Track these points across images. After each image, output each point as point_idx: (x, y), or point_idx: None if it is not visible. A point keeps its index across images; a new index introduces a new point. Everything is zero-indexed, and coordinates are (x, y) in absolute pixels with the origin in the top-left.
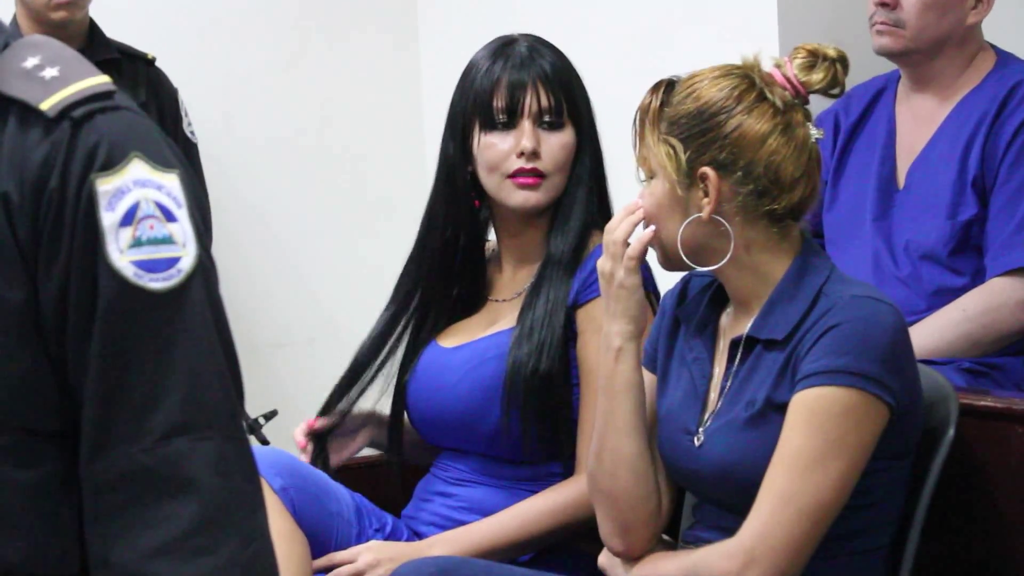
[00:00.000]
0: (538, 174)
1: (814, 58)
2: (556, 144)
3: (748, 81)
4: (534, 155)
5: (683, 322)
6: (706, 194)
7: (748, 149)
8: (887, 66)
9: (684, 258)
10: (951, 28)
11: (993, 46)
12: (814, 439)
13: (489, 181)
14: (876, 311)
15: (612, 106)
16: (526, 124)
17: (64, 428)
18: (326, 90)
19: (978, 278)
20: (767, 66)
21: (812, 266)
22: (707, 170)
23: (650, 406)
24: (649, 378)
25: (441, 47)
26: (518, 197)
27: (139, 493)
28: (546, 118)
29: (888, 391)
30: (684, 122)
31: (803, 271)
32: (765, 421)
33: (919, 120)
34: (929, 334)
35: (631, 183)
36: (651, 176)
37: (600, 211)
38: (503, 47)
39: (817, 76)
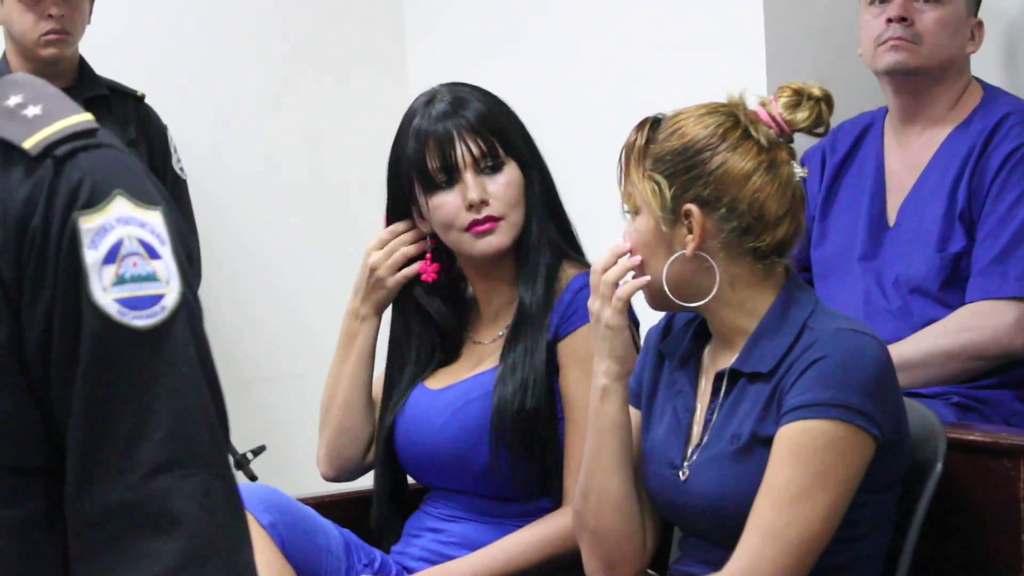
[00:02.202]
0: (492, 219)
1: (799, 97)
2: (502, 184)
3: (733, 119)
4: (483, 203)
5: (667, 357)
6: (690, 231)
7: (732, 186)
8: (874, 102)
9: (670, 295)
10: (957, 52)
11: (980, 80)
12: (800, 472)
13: (448, 238)
14: (860, 344)
15: (601, 138)
16: (467, 176)
17: (49, 466)
18: (315, 123)
19: None
20: (752, 104)
21: (796, 300)
22: (691, 207)
23: (636, 443)
24: (634, 414)
25: (430, 81)
26: (480, 246)
27: (124, 530)
28: (484, 164)
29: (873, 423)
30: (669, 159)
31: (787, 305)
32: (750, 455)
33: (908, 156)
34: (905, 345)
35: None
36: (636, 212)
37: (563, 237)
38: (424, 107)
39: (802, 115)
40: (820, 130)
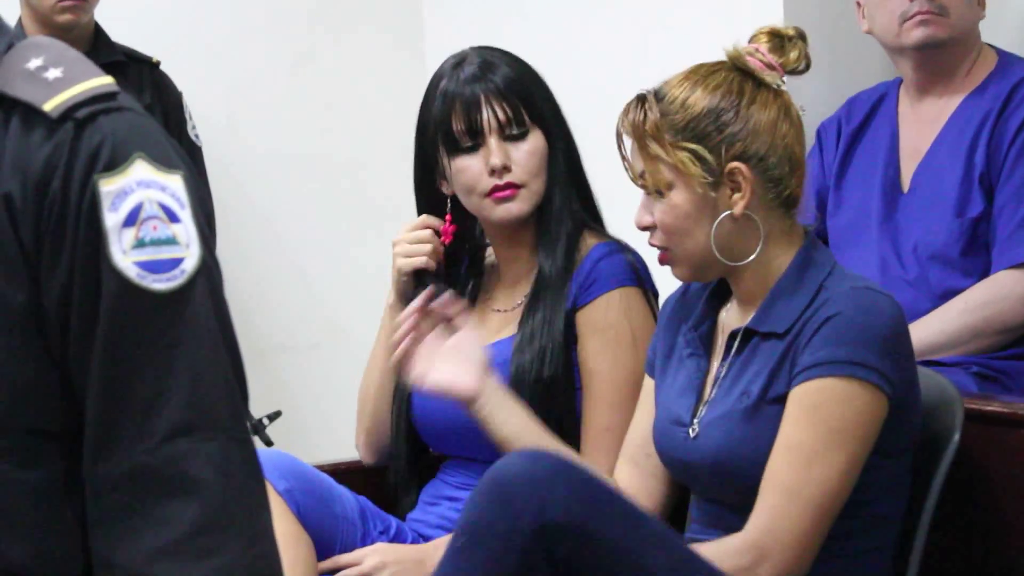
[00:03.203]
0: (513, 186)
1: (779, 39)
2: (525, 152)
3: (740, 73)
4: (505, 170)
5: (682, 320)
6: (735, 190)
7: (765, 136)
8: (887, 75)
9: (720, 258)
10: (975, 19)
11: (994, 47)
12: (816, 431)
13: (469, 203)
14: (875, 301)
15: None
16: (491, 141)
17: (68, 429)
18: (331, 93)
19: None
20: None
21: (814, 261)
22: (738, 165)
23: (652, 411)
24: (650, 384)
25: (447, 51)
26: (499, 212)
27: (142, 494)
28: (509, 130)
29: (886, 380)
30: (694, 125)
31: (805, 265)
32: (760, 414)
33: (923, 122)
34: (930, 326)
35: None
36: (667, 189)
37: (585, 208)
38: (453, 69)
39: (792, 55)
40: (805, 68)
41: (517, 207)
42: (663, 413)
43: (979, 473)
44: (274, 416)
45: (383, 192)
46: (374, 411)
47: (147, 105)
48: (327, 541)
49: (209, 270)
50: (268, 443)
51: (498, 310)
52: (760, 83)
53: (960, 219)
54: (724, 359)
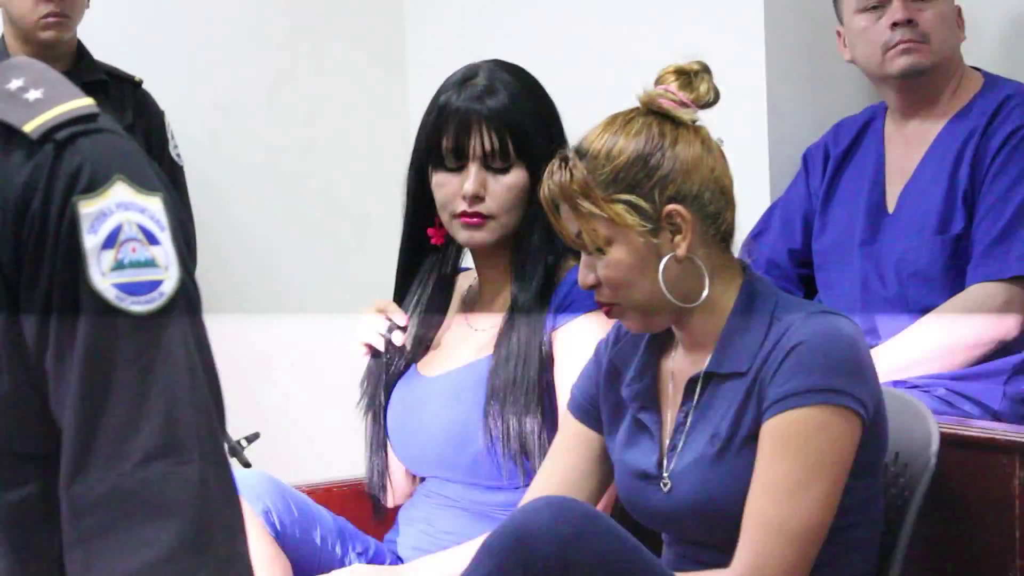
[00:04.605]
0: (480, 216)
1: (686, 75)
2: (503, 186)
3: (656, 116)
4: (476, 199)
5: (622, 367)
6: (675, 232)
7: (694, 174)
8: (872, 100)
9: (673, 302)
10: (956, 43)
11: (979, 69)
12: (794, 462)
13: (442, 217)
14: (834, 325)
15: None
16: (471, 167)
17: (45, 450)
18: (313, 111)
19: None
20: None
21: (758, 292)
22: (674, 207)
23: (596, 463)
24: (589, 436)
25: (428, 68)
26: (463, 235)
27: (118, 516)
28: (492, 162)
29: (858, 401)
30: (623, 175)
31: (751, 298)
32: (732, 454)
33: (909, 143)
34: (904, 341)
35: None
36: (602, 247)
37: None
38: (459, 84)
39: (702, 88)
40: (715, 99)
41: (480, 236)
42: (624, 468)
43: (957, 498)
44: (252, 438)
45: (365, 208)
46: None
47: (129, 124)
48: (305, 562)
49: (188, 292)
50: (246, 465)
51: (476, 329)
52: (678, 123)
53: (942, 236)
54: (685, 406)
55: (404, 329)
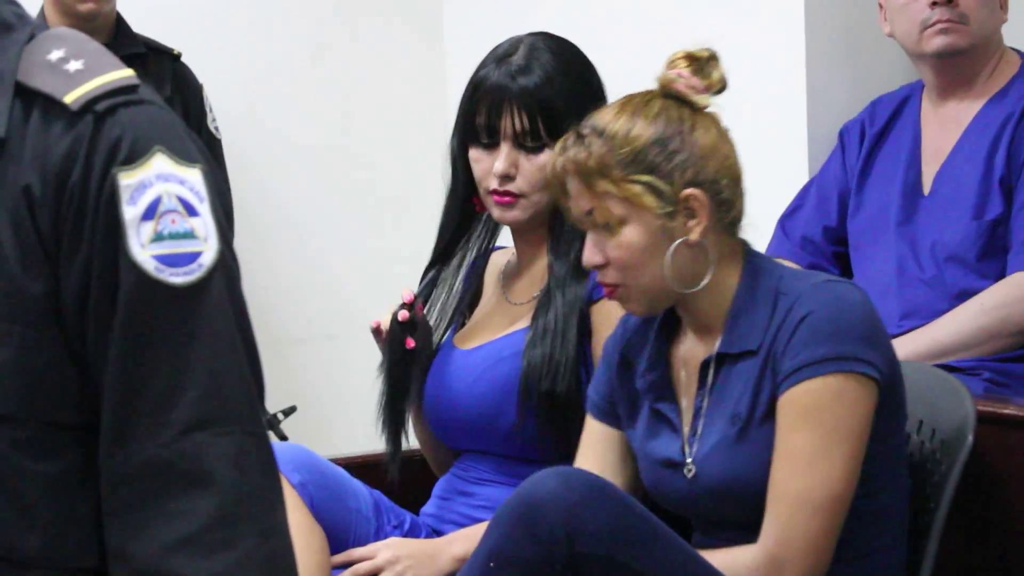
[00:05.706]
0: (512, 195)
1: (697, 62)
2: (535, 166)
3: (673, 100)
4: (507, 178)
5: (633, 360)
6: (690, 217)
7: (712, 160)
8: (910, 77)
9: (675, 288)
10: (997, 24)
11: (1017, 50)
12: (813, 433)
13: (480, 190)
14: (841, 292)
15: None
16: (504, 146)
17: (84, 421)
18: (350, 84)
19: None
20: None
21: (761, 269)
22: (692, 191)
23: (623, 459)
24: (609, 433)
25: (466, 41)
26: (496, 212)
27: (157, 487)
28: (523, 141)
29: (872, 366)
30: (643, 157)
31: (755, 276)
32: (753, 431)
33: (945, 125)
34: (945, 327)
35: None
36: (619, 225)
37: None
38: (499, 59)
39: (715, 75)
40: (723, 87)
41: (512, 214)
42: (647, 459)
43: (993, 476)
44: (289, 411)
45: (401, 183)
46: (424, 434)
47: (167, 97)
48: (340, 535)
49: (227, 264)
50: (283, 438)
51: (513, 302)
52: (694, 107)
53: (978, 221)
54: (700, 391)
55: (410, 307)
